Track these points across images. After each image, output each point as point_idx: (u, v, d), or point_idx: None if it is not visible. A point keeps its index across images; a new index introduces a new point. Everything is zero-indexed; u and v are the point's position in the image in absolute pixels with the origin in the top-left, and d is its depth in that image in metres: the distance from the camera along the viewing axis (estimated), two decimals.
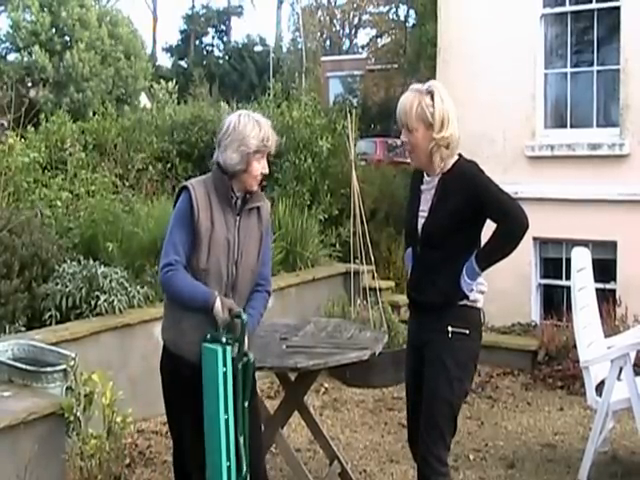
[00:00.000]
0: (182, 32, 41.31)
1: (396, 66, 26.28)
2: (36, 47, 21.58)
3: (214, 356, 3.00)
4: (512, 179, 6.61)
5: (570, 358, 5.92)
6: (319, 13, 38.56)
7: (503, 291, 6.46)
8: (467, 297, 3.23)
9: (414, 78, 16.24)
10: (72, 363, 4.09)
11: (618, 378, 4.25)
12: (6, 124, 7.50)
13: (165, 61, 40.67)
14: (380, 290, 6.69)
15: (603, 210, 6.66)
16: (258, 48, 38.34)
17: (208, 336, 3.06)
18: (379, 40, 36.46)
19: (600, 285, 5.64)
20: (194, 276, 3.11)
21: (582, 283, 4.56)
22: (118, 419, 3.95)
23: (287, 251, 7.12)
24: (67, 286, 5.21)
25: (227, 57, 38.94)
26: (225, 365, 3.00)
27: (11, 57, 23.23)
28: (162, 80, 15.52)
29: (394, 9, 33.30)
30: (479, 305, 3.30)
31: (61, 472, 3.84)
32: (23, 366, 4.15)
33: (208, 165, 8.10)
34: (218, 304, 3.05)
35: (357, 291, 6.81)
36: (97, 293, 5.21)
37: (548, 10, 7.17)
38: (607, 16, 6.91)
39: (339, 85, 32.46)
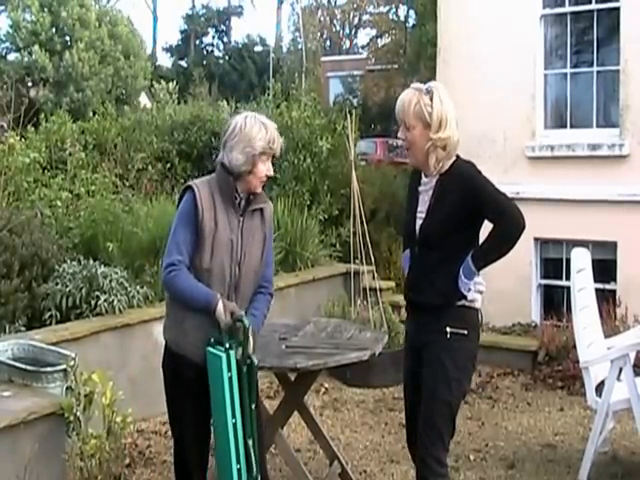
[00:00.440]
0: (182, 32, 41.32)
1: (396, 66, 26.28)
2: (36, 47, 21.56)
3: (218, 362, 3.00)
4: (512, 179, 6.63)
5: (570, 358, 5.92)
6: (319, 13, 38.59)
7: (503, 291, 6.46)
8: (465, 297, 3.23)
9: (414, 78, 16.24)
10: (72, 363, 4.09)
11: (618, 378, 4.25)
12: (6, 124, 7.50)
13: (165, 61, 40.74)
14: (380, 290, 6.69)
15: (603, 210, 6.66)
16: (258, 48, 38.33)
17: (211, 340, 3.06)
18: (379, 40, 36.51)
19: (600, 285, 5.65)
20: (197, 276, 3.11)
21: (582, 284, 4.56)
22: (118, 419, 3.95)
23: (287, 251, 7.12)
24: (67, 286, 5.21)
25: (227, 57, 38.95)
26: (230, 370, 3.00)
27: (11, 57, 23.25)
28: (162, 80, 15.53)
29: (394, 9, 33.35)
30: (477, 305, 3.30)
31: (61, 472, 3.84)
32: (23, 366, 4.15)
33: (207, 165, 8.12)
34: (220, 307, 3.05)
35: (357, 291, 6.81)
36: (97, 293, 5.21)
37: (548, 11, 7.17)
38: (607, 17, 6.91)
39: (339, 85, 32.48)
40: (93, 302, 5.19)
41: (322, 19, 38.80)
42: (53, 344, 4.58)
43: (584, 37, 7.16)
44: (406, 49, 25.41)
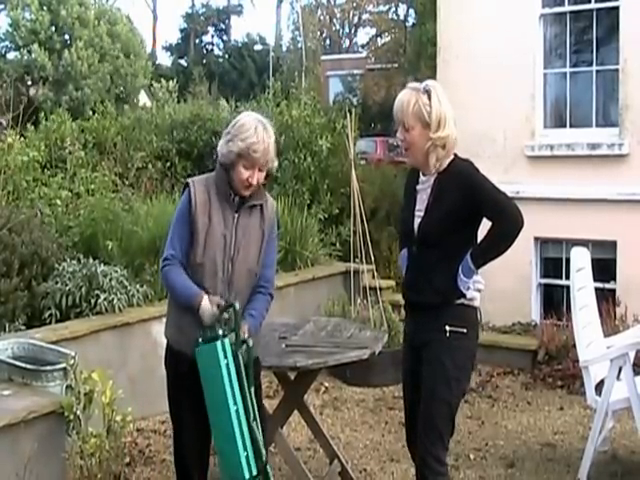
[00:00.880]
0: (182, 31, 41.35)
1: (396, 65, 26.28)
2: (35, 45, 21.57)
3: (213, 351, 2.99)
4: (512, 179, 6.63)
5: (570, 358, 5.92)
6: (319, 12, 38.57)
7: (503, 291, 6.47)
8: (464, 295, 3.23)
9: (414, 77, 16.24)
10: (72, 362, 4.09)
11: (617, 378, 4.25)
12: (5, 123, 7.50)
13: (165, 60, 40.77)
14: (380, 289, 6.69)
15: (603, 210, 6.66)
16: (258, 47, 38.32)
17: (200, 340, 3.06)
18: (379, 39, 36.53)
19: (600, 285, 5.65)
20: (190, 271, 3.14)
21: (581, 283, 4.56)
22: (118, 418, 3.95)
23: (286, 250, 7.12)
24: (67, 285, 5.21)
25: (227, 56, 38.97)
26: (226, 357, 3.00)
27: (10, 56, 23.25)
28: (162, 79, 15.53)
29: (394, 8, 33.36)
30: (476, 304, 3.30)
31: (61, 471, 3.84)
32: (23, 365, 4.15)
33: (207, 164, 8.12)
34: (205, 304, 3.06)
35: (357, 290, 6.81)
36: (97, 292, 5.21)
37: (547, 10, 7.16)
38: (606, 16, 6.90)
39: (339, 84, 32.49)
40: (93, 301, 5.19)
41: (322, 18, 38.78)
42: (53, 343, 4.58)
43: (583, 36, 7.16)
44: (406, 48, 25.42)
